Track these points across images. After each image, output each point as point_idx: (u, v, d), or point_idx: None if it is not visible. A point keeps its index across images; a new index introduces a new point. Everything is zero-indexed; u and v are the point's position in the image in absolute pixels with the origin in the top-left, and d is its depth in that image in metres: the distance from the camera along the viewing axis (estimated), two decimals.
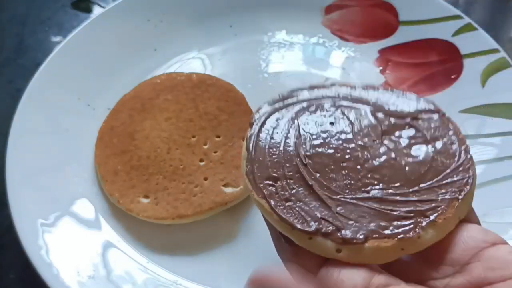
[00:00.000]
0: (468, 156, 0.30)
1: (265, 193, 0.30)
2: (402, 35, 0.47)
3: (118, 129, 0.41)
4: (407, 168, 0.30)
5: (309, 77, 0.46)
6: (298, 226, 0.28)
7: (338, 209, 0.29)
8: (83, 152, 0.41)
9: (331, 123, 0.32)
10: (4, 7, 0.56)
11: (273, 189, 0.30)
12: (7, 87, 0.49)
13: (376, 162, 0.30)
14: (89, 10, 0.55)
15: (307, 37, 0.49)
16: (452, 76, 0.44)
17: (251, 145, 0.32)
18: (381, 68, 0.46)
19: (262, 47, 0.48)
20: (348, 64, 0.47)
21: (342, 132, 0.32)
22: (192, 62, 0.48)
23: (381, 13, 0.48)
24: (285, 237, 0.30)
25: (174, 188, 0.37)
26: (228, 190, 0.37)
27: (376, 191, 0.29)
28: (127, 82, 0.45)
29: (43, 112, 0.41)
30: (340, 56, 0.48)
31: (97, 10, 0.55)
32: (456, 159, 0.30)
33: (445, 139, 0.31)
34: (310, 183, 0.30)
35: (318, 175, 0.30)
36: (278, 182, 0.30)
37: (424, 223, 0.28)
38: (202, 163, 0.38)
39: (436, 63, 0.45)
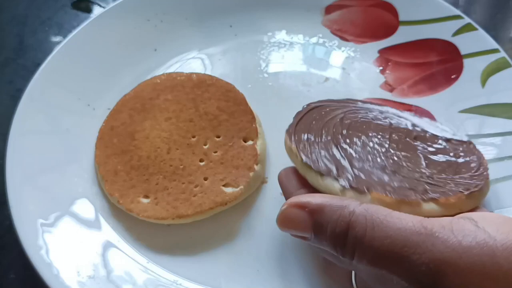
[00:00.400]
0: (485, 173, 0.33)
1: (297, 139, 0.35)
2: (402, 35, 0.47)
3: (118, 129, 0.41)
4: (427, 162, 0.33)
5: (309, 77, 0.46)
6: (315, 166, 0.32)
7: (355, 164, 0.32)
8: (83, 152, 0.41)
9: (373, 119, 0.37)
10: (4, 7, 0.56)
11: (305, 141, 0.34)
12: (7, 87, 0.49)
13: (400, 150, 0.34)
14: (89, 10, 0.55)
15: (307, 37, 0.49)
16: (452, 76, 0.44)
17: (299, 115, 0.37)
18: (381, 68, 0.46)
19: (262, 47, 0.48)
20: (348, 64, 0.47)
21: (381, 126, 0.36)
22: (192, 62, 0.48)
23: (381, 13, 0.48)
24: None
25: (174, 188, 0.37)
26: (228, 190, 0.37)
27: (393, 166, 0.33)
28: (127, 82, 0.45)
29: (43, 112, 0.41)
30: (340, 56, 0.48)
31: (97, 10, 0.55)
32: (473, 171, 0.33)
33: (467, 158, 0.34)
34: (338, 146, 0.34)
35: (348, 142, 0.34)
36: (311, 140, 0.35)
37: (426, 196, 0.30)
38: (202, 163, 0.39)
39: (436, 63, 0.45)
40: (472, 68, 0.44)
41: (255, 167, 0.38)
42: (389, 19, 0.48)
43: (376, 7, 0.49)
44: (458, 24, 0.46)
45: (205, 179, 0.38)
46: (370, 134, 0.35)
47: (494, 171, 0.38)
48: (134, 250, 0.36)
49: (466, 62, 0.44)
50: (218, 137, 0.40)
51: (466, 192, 0.31)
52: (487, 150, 0.39)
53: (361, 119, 0.36)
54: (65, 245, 0.35)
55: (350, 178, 0.31)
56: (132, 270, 0.35)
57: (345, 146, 0.34)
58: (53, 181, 0.38)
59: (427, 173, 0.32)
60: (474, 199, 0.32)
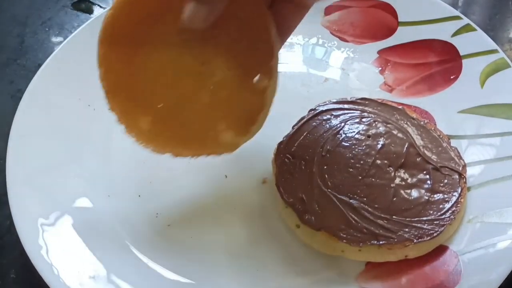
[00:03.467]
0: (452, 217, 0.34)
1: (279, 162, 0.37)
2: (402, 35, 0.47)
3: (126, 28, 0.33)
4: (395, 199, 0.35)
5: (308, 77, 0.46)
6: (283, 195, 0.36)
7: (319, 197, 0.35)
8: (83, 152, 0.41)
9: (369, 136, 0.38)
10: (5, 7, 0.56)
11: (287, 161, 0.37)
12: (8, 87, 0.49)
13: (375, 181, 0.36)
14: (89, 11, 0.56)
15: (306, 38, 0.49)
16: (451, 77, 0.44)
17: (296, 126, 0.39)
18: (380, 68, 0.47)
19: None
20: (347, 65, 0.47)
21: (370, 146, 0.37)
22: None
23: (381, 14, 0.49)
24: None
25: (175, 122, 0.35)
26: (229, 134, 0.35)
27: (357, 201, 0.35)
28: None
29: (43, 113, 0.42)
30: (339, 56, 0.48)
31: (97, 11, 0.55)
32: (439, 213, 0.34)
33: (445, 195, 0.35)
34: (313, 170, 0.36)
35: (325, 167, 0.36)
36: (295, 159, 0.37)
37: (370, 242, 0.33)
38: (206, 98, 0.34)
39: (435, 64, 0.45)
40: (471, 68, 0.44)
41: (260, 116, 0.34)
42: (389, 20, 0.48)
43: (376, 8, 0.49)
44: (457, 24, 0.46)
45: (208, 118, 0.34)
46: (353, 159, 0.37)
47: (493, 171, 0.38)
48: (134, 249, 0.36)
49: (465, 62, 0.44)
50: (230, 69, 0.34)
51: (415, 241, 0.33)
52: (486, 150, 0.39)
53: (351, 141, 0.38)
54: (66, 245, 0.35)
55: (309, 210, 0.34)
56: (132, 269, 0.35)
57: (317, 174, 0.36)
58: (53, 181, 0.38)
59: (387, 216, 0.34)
60: (424, 247, 0.34)
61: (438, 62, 0.45)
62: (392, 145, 0.37)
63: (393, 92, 0.45)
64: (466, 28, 0.45)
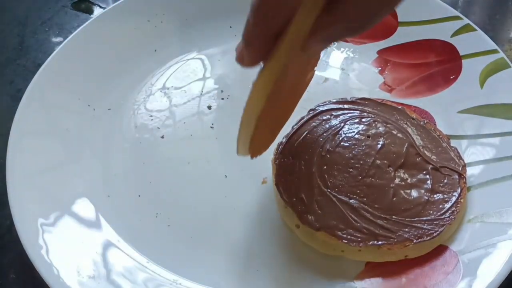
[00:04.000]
0: (452, 217, 0.34)
1: (279, 162, 0.37)
2: (401, 35, 0.47)
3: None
4: (394, 199, 0.35)
5: None
6: (283, 195, 0.36)
7: (318, 198, 0.35)
8: (83, 152, 0.41)
9: (368, 136, 0.38)
10: (5, 7, 0.56)
11: (287, 161, 0.37)
12: (8, 87, 0.49)
13: (374, 182, 0.36)
14: (89, 11, 0.56)
15: None
16: (451, 77, 0.44)
17: (296, 126, 0.39)
18: (379, 68, 0.47)
19: None
20: (347, 65, 0.47)
21: (370, 146, 0.37)
22: (192, 63, 0.48)
23: None
24: None
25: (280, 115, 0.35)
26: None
27: (356, 201, 0.35)
28: (127, 83, 0.45)
29: (43, 112, 0.42)
30: (339, 56, 0.48)
31: (97, 11, 0.55)
32: (439, 213, 0.34)
33: (445, 195, 0.35)
34: (313, 170, 0.36)
35: (325, 167, 0.36)
36: (294, 159, 0.37)
37: (369, 242, 0.33)
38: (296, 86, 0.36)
39: (435, 64, 0.46)
40: (471, 68, 0.44)
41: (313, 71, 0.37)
42: (388, 20, 0.48)
43: None
44: (457, 24, 0.46)
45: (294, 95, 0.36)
46: (352, 160, 0.37)
47: (493, 171, 0.38)
48: (134, 249, 0.36)
49: (465, 62, 0.44)
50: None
51: (414, 241, 0.33)
52: (486, 150, 0.39)
53: (351, 141, 0.38)
54: (65, 245, 0.35)
55: (309, 211, 0.34)
56: (132, 269, 0.35)
57: (317, 174, 0.36)
58: (53, 181, 0.38)
59: (387, 216, 0.34)
60: (423, 247, 0.34)
61: (438, 62, 0.46)
62: (392, 145, 0.37)
63: (393, 92, 0.45)
64: (466, 28, 0.45)
